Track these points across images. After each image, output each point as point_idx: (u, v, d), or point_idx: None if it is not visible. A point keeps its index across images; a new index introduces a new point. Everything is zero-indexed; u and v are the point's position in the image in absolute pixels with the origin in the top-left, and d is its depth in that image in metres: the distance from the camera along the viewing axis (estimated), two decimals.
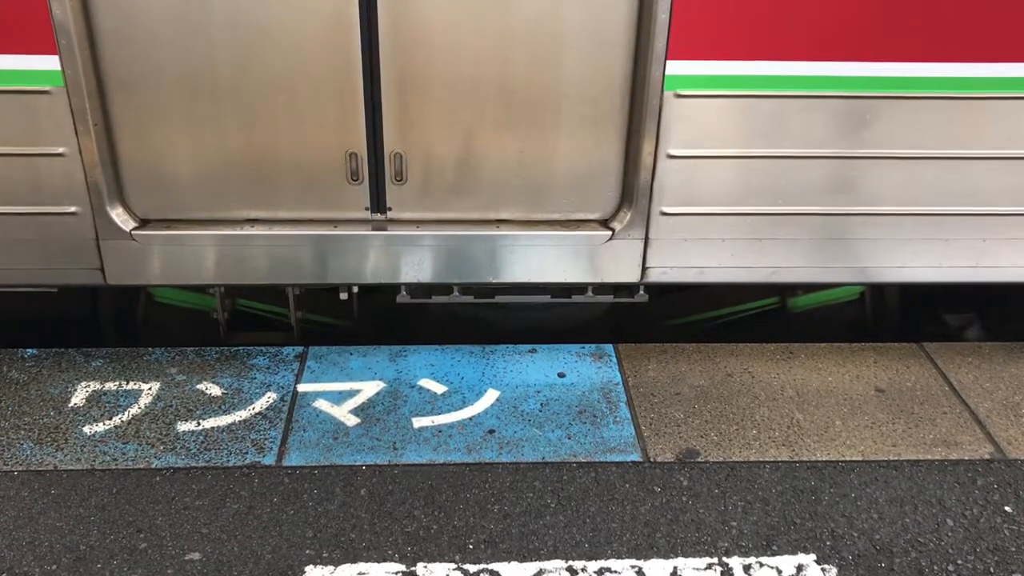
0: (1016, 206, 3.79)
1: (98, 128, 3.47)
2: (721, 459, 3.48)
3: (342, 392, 3.81)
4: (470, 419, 3.67)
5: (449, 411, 3.72)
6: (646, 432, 3.61)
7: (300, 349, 4.09)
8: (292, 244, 3.72)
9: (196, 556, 2.99)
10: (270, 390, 3.81)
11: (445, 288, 4.03)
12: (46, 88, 3.37)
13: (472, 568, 2.97)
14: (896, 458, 3.50)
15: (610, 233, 3.77)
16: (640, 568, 2.98)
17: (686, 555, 3.04)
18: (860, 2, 3.37)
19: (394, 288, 3.99)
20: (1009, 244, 3.88)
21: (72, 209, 3.60)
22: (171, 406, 3.69)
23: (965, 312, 4.91)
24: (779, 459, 3.48)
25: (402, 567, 2.97)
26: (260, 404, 3.72)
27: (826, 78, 3.49)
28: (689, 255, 3.83)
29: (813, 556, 3.05)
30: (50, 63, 3.33)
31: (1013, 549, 3.10)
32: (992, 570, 3.01)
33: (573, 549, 3.05)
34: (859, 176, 3.70)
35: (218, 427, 3.58)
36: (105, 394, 3.76)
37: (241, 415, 3.66)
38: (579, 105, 3.56)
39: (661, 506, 3.24)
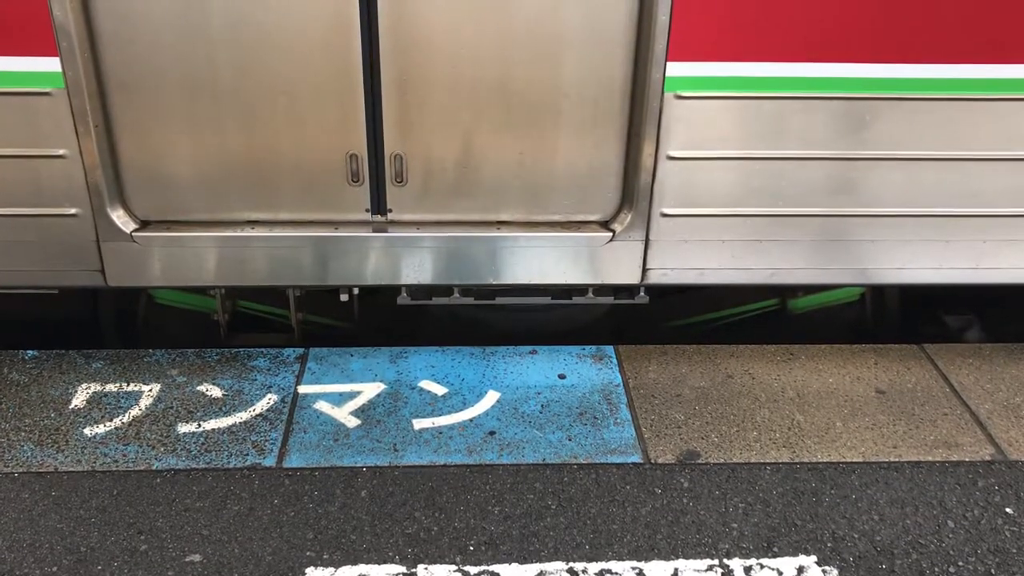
0: (1016, 207, 3.79)
1: (99, 130, 3.47)
2: (722, 461, 3.47)
3: (343, 394, 3.81)
4: (471, 420, 3.67)
5: (450, 412, 3.71)
6: (647, 433, 3.61)
7: (301, 351, 4.09)
8: (293, 246, 3.72)
9: (196, 558, 2.99)
10: (271, 391, 3.80)
11: (446, 290, 4.03)
12: (47, 90, 3.38)
13: (473, 570, 2.97)
14: (897, 459, 3.50)
15: (610, 234, 3.77)
16: (641, 570, 2.98)
17: (687, 557, 3.04)
18: (860, 3, 3.37)
19: (395, 290, 3.99)
20: (1009, 245, 3.88)
21: (73, 211, 3.60)
22: (172, 408, 3.69)
23: (965, 313, 4.91)
24: (780, 460, 3.48)
25: (403, 569, 2.97)
26: (261, 406, 3.72)
27: (826, 79, 3.49)
28: (689, 256, 3.83)
29: (814, 558, 3.05)
30: (51, 65, 3.33)
31: (1014, 551, 3.09)
32: (993, 572, 3.01)
33: (574, 551, 3.05)
34: (859, 177, 3.70)
35: (219, 429, 3.58)
36: (106, 396, 3.76)
37: (242, 417, 3.65)
38: (579, 107, 3.56)
39: (662, 508, 3.24)
